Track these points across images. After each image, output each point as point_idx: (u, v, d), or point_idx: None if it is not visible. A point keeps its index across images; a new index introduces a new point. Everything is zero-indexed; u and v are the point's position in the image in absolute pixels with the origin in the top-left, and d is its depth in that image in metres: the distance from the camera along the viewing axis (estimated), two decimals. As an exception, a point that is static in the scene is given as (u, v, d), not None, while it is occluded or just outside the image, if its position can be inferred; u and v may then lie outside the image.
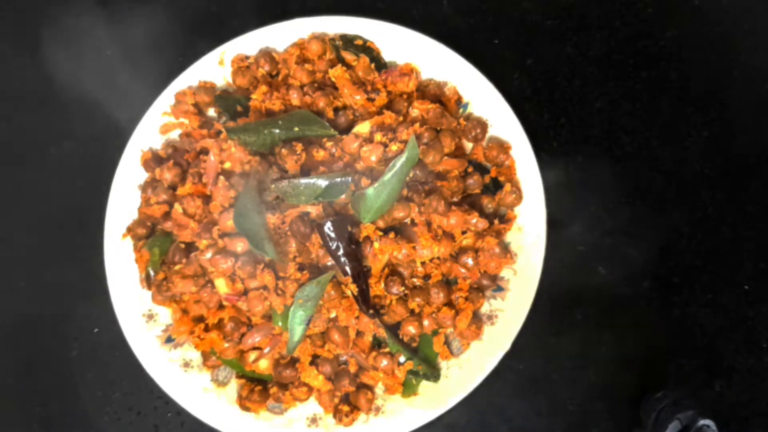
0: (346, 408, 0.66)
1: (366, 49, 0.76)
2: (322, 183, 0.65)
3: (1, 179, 0.81)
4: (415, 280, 0.68)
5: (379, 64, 0.76)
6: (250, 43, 0.77)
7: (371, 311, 0.66)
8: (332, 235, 0.64)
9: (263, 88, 0.73)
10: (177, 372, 0.69)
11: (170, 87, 0.76)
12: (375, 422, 0.67)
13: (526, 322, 0.67)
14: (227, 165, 0.70)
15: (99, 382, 0.74)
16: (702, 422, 0.61)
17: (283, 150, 0.68)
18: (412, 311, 0.67)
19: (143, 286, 0.70)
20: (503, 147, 0.72)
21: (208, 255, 0.67)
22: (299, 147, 0.68)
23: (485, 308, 0.69)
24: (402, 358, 0.67)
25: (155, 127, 0.75)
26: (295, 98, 0.72)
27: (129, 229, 0.72)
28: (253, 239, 0.65)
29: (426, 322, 0.67)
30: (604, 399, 0.71)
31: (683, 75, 0.81)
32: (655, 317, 0.73)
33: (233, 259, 0.66)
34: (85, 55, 0.85)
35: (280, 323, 0.65)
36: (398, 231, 0.68)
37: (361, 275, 0.66)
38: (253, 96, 0.73)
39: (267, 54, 0.76)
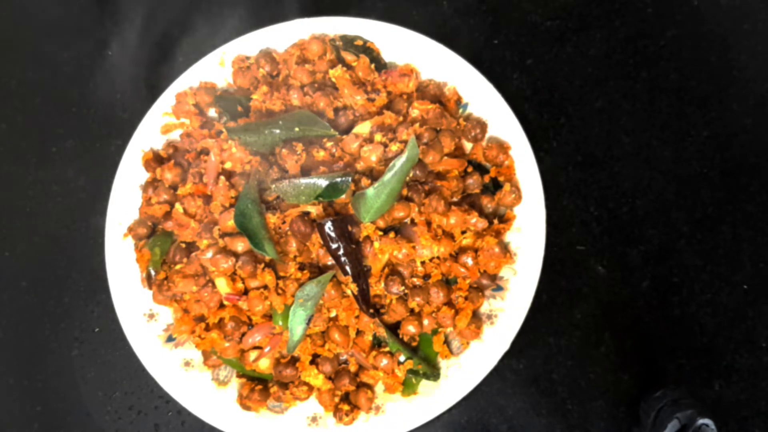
0: (346, 407, 0.66)
1: (366, 49, 0.76)
2: (322, 183, 0.65)
3: (2, 178, 0.81)
4: (415, 279, 0.68)
5: (379, 64, 0.76)
6: (251, 43, 0.77)
7: (371, 311, 0.66)
8: (332, 235, 0.64)
9: (264, 88, 0.74)
10: (178, 371, 0.69)
11: (171, 87, 0.76)
12: (375, 421, 0.67)
13: (526, 322, 0.68)
14: (228, 165, 0.70)
15: (100, 381, 0.74)
16: (701, 421, 0.61)
17: (284, 150, 0.68)
18: (411, 311, 0.67)
19: (144, 285, 0.71)
20: (503, 147, 0.72)
21: (209, 255, 0.67)
22: (299, 147, 0.68)
23: (485, 308, 0.69)
24: (402, 358, 0.67)
25: (156, 127, 0.76)
26: (295, 98, 0.72)
27: (130, 229, 0.72)
28: (254, 239, 0.65)
29: (426, 322, 0.67)
30: (604, 398, 0.71)
31: (683, 75, 0.81)
32: (655, 317, 0.73)
33: (234, 259, 0.66)
34: (87, 55, 0.86)
35: (280, 322, 0.66)
36: (398, 231, 0.68)
37: (361, 275, 0.66)
38: (254, 96, 0.73)
39: (267, 54, 0.76)
